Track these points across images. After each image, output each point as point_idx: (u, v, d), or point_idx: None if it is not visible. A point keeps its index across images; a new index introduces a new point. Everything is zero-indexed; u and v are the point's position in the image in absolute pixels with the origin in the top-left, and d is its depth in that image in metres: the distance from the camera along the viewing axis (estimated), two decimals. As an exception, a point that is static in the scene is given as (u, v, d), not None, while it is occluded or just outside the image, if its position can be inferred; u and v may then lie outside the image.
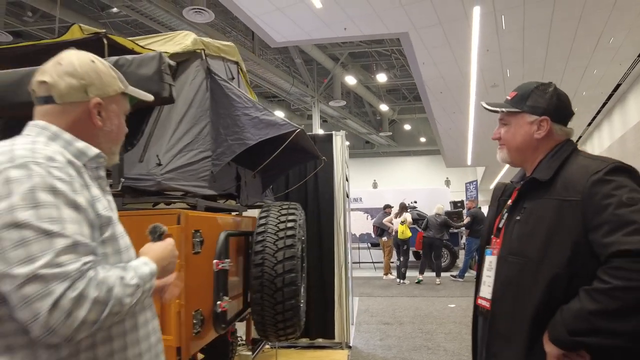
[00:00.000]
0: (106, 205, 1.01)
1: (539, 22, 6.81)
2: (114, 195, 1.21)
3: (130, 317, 1.01)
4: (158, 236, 1.16)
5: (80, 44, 2.26)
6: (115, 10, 9.90)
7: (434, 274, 9.34)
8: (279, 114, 17.52)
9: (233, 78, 3.18)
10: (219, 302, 1.96)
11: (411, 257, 10.74)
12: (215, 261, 1.95)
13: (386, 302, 7.26)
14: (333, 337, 4.45)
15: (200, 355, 2.52)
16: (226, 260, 2.03)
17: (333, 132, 4.70)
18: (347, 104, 17.31)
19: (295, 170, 4.38)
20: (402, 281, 9.24)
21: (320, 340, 4.47)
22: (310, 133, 4.64)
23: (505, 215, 1.44)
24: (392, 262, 10.30)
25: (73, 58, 1.05)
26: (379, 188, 20.41)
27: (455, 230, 11.03)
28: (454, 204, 12.42)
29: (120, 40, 2.06)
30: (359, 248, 12.08)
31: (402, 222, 9.38)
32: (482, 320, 1.48)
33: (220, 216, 2.40)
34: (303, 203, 4.51)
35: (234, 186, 2.85)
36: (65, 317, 0.80)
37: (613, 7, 6.33)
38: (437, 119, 12.08)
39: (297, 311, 2.31)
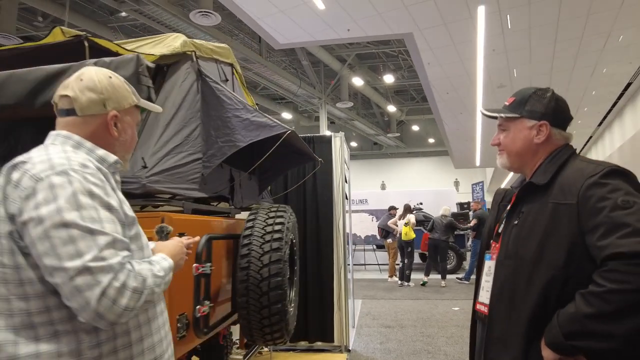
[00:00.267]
0: (129, 206, 1.13)
1: (545, 21, 6.71)
2: None
3: (152, 307, 1.14)
4: (165, 235, 1.27)
5: (61, 47, 2.27)
6: (123, 14, 10.03)
7: (439, 276, 9.26)
8: (287, 116, 17.62)
9: (227, 80, 3.16)
10: (198, 307, 1.94)
11: (417, 259, 10.65)
12: (194, 265, 1.93)
13: (389, 304, 7.21)
14: (332, 340, 4.41)
15: (195, 359, 2.51)
16: (207, 264, 2.00)
17: (332, 134, 4.68)
18: (355, 106, 17.26)
19: (294, 171, 4.37)
20: (404, 283, 9.16)
21: (319, 343, 4.43)
22: (310, 135, 4.65)
23: (504, 220, 1.44)
24: (398, 264, 10.23)
25: (93, 74, 1.15)
26: (386, 190, 20.33)
27: (462, 232, 10.92)
28: (461, 205, 12.32)
29: (102, 42, 2.05)
30: (364, 250, 12.04)
31: (406, 224, 9.31)
32: (481, 326, 1.49)
33: (207, 219, 2.38)
34: (302, 204, 4.51)
35: (227, 188, 2.83)
36: (111, 304, 0.92)
37: (622, 4, 6.21)
38: (444, 119, 11.98)
39: (283, 315, 2.28)
